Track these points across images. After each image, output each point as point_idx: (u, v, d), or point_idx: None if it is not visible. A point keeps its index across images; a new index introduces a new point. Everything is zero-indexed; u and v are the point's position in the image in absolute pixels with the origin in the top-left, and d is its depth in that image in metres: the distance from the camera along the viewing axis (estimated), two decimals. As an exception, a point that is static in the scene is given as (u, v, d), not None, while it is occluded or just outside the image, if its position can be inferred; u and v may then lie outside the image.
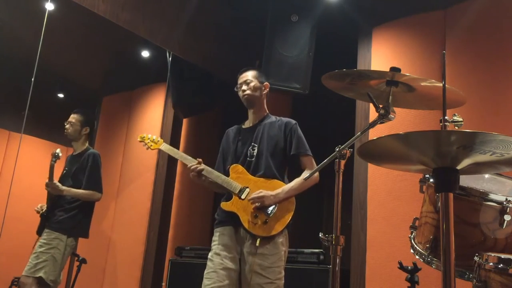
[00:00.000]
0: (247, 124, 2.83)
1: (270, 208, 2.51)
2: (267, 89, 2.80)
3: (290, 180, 2.65)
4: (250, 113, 2.82)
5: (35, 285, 3.36)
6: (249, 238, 2.52)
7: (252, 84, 2.73)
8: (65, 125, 3.83)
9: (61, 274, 3.58)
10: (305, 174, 2.60)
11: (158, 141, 2.98)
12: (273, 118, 2.79)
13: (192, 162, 2.69)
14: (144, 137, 3.01)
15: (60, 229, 3.55)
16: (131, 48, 4.62)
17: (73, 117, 3.83)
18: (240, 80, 2.76)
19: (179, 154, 2.87)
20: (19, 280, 3.40)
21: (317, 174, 2.56)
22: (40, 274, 3.37)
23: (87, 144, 3.90)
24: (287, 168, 2.70)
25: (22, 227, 3.81)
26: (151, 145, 2.97)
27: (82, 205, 3.67)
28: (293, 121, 2.74)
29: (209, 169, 2.68)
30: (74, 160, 3.83)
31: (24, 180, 4.02)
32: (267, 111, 2.82)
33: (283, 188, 2.56)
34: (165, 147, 2.93)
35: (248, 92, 2.72)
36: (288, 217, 2.53)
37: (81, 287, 3.62)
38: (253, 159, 2.66)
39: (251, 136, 2.72)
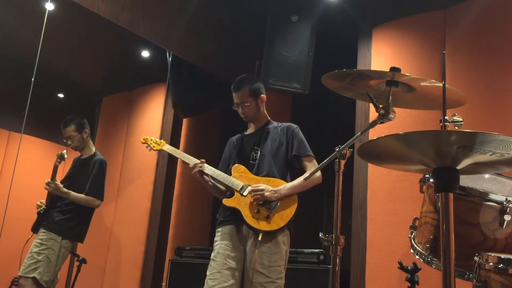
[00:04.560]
0: (249, 131, 2.87)
1: (273, 204, 2.52)
2: (265, 100, 2.80)
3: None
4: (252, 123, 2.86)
5: (35, 285, 3.36)
6: (252, 235, 2.53)
7: (249, 107, 2.73)
8: (67, 142, 3.78)
9: (58, 274, 3.57)
10: (307, 174, 2.60)
11: (161, 142, 3.00)
12: (274, 123, 2.82)
13: (195, 162, 2.71)
14: (147, 138, 3.05)
15: (56, 230, 3.54)
16: (131, 48, 4.62)
17: (67, 131, 3.76)
18: (236, 100, 2.75)
19: (182, 154, 2.88)
20: (18, 280, 3.41)
21: (319, 174, 2.59)
22: (34, 274, 3.37)
23: (94, 149, 3.89)
24: (290, 171, 2.70)
25: (22, 227, 3.80)
26: (154, 146, 2.99)
27: (80, 208, 3.66)
28: (294, 125, 2.77)
29: (211, 168, 2.70)
30: (81, 163, 3.83)
31: (24, 180, 4.02)
32: (268, 117, 2.85)
33: (285, 185, 2.58)
34: (168, 147, 2.96)
35: (247, 114, 2.76)
36: (291, 213, 2.53)
37: (81, 287, 3.62)
38: (256, 161, 2.68)
39: (254, 141, 2.76)
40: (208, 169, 2.69)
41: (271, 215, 2.51)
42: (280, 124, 2.81)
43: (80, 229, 3.69)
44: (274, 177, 2.61)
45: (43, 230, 3.55)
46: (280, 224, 2.50)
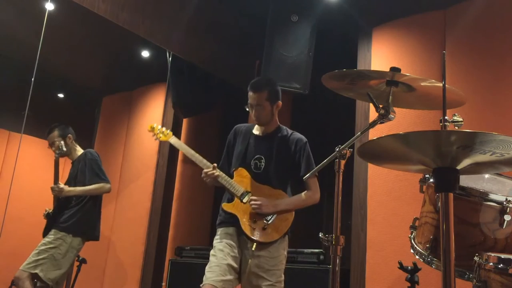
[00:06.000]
0: (258, 131, 2.75)
1: (269, 216, 2.53)
2: (280, 107, 2.71)
3: (292, 193, 2.65)
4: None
5: (30, 280, 3.35)
6: (249, 241, 2.54)
7: (264, 111, 2.64)
8: (52, 149, 3.73)
9: (64, 276, 3.56)
10: (307, 193, 2.62)
11: (168, 133, 2.93)
12: (284, 131, 2.73)
13: (204, 165, 2.67)
14: (154, 127, 2.96)
15: (66, 229, 3.55)
16: (131, 48, 4.62)
17: (51, 137, 3.73)
18: (252, 101, 2.63)
19: (188, 150, 2.79)
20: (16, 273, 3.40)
21: (318, 196, 2.62)
22: (37, 270, 3.37)
23: (80, 150, 3.86)
24: (291, 181, 2.67)
25: (22, 227, 3.81)
26: (160, 136, 2.92)
27: (89, 205, 3.66)
28: (304, 139, 2.69)
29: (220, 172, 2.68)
30: (74, 166, 3.83)
31: (24, 180, 4.02)
32: (278, 123, 2.75)
33: (284, 200, 2.58)
34: (174, 140, 2.88)
35: (260, 118, 2.66)
36: (286, 227, 2.56)
37: (81, 287, 3.62)
38: (260, 171, 2.64)
39: (261, 147, 2.68)
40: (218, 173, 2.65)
41: (267, 227, 2.52)
42: (289, 132, 2.72)
43: (91, 226, 3.68)
44: (275, 187, 2.60)
45: (54, 230, 3.55)
46: (275, 237, 2.51)
